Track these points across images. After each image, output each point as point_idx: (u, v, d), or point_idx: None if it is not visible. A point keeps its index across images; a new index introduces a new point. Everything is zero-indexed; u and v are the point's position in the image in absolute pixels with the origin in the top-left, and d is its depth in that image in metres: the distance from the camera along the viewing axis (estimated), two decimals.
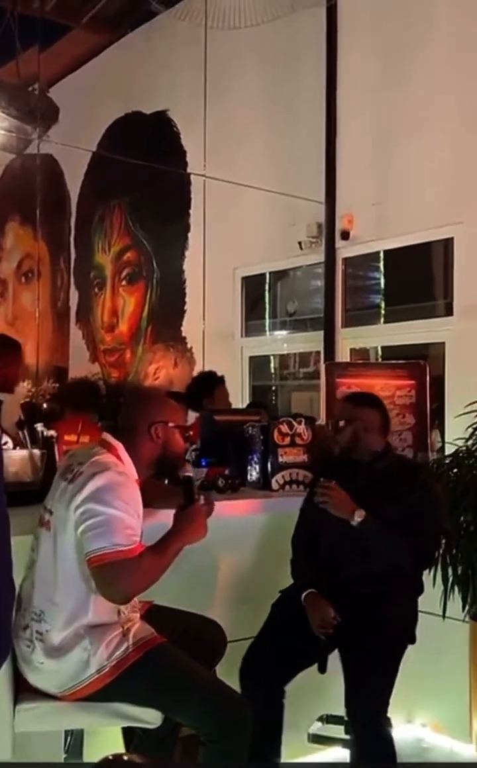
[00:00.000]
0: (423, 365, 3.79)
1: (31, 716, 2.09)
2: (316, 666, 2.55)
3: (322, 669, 2.52)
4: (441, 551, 3.01)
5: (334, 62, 6.20)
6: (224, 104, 6.88)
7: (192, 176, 7.29)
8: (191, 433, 2.42)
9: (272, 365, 7.29)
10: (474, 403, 3.38)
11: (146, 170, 7.31)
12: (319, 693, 2.55)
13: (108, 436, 2.28)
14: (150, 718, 2.11)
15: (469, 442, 3.29)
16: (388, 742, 2.41)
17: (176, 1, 6.16)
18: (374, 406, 2.85)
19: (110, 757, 1.13)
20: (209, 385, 4.89)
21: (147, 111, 8.09)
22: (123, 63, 8.33)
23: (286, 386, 7.31)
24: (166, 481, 2.59)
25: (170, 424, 2.30)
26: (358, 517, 2.56)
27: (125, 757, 1.09)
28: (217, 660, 2.38)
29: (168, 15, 7.70)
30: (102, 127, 8.57)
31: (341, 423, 2.79)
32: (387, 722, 2.42)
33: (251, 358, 7.17)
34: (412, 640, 2.60)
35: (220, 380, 4.97)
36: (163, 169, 7.24)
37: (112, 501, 2.06)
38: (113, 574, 2.02)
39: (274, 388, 7.34)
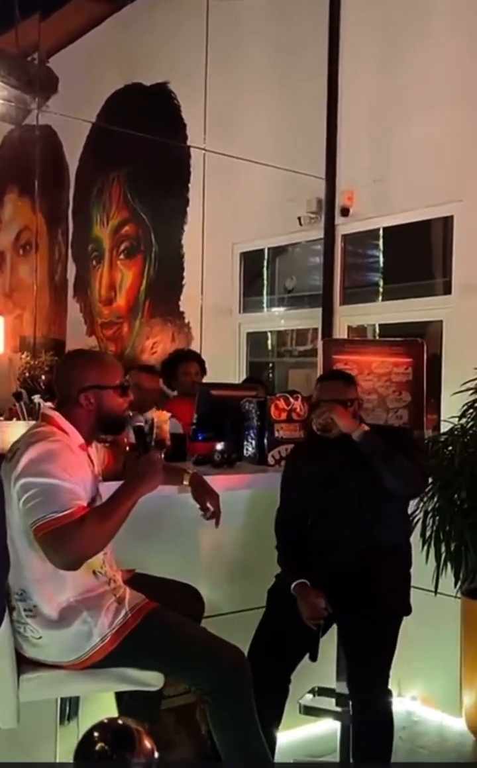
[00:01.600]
0: (420, 343, 3.76)
1: (35, 685, 2.10)
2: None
3: (314, 658, 2.54)
4: (433, 528, 3.01)
5: (337, 37, 6.10)
6: (225, 77, 6.78)
7: (192, 150, 7.20)
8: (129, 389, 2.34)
9: (270, 341, 7.26)
10: (470, 381, 3.36)
11: (146, 143, 7.21)
12: (310, 666, 2.56)
13: (46, 408, 2.30)
14: (153, 680, 2.15)
15: (463, 420, 3.28)
16: (389, 717, 2.42)
17: None
18: (345, 381, 2.84)
19: (106, 721, 1.12)
20: (177, 361, 4.87)
21: (147, 83, 7.96)
22: (124, 34, 8.19)
23: (283, 363, 7.29)
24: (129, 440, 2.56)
25: (104, 387, 2.25)
26: (362, 430, 2.59)
27: (120, 721, 1.08)
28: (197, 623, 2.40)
29: None
30: (102, 98, 8.44)
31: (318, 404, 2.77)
32: (388, 695, 2.44)
33: (249, 334, 7.13)
34: (408, 611, 2.61)
35: (186, 356, 4.92)
36: (163, 142, 7.14)
37: (46, 470, 2.03)
38: (55, 541, 1.96)
39: (271, 364, 7.32)
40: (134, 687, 2.18)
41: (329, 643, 2.60)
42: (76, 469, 2.11)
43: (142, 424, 2.33)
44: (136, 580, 2.35)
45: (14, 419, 3.37)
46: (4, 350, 8.54)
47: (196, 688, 2.26)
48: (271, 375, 7.20)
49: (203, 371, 4.85)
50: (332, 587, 2.55)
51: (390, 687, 2.45)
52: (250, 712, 2.17)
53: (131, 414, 2.35)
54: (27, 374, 6.58)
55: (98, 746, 1.01)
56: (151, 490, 2.17)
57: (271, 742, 2.47)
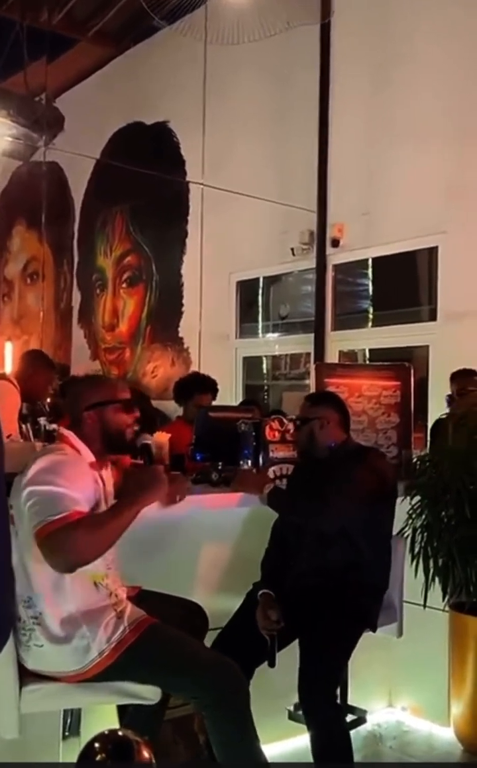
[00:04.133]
0: (407, 367, 3.77)
1: (36, 697, 2.08)
2: (295, 652, 2.53)
3: (271, 664, 2.48)
4: (422, 544, 3.01)
5: (327, 76, 6.21)
6: (222, 116, 6.87)
7: (191, 184, 7.28)
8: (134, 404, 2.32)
9: (265, 366, 7.29)
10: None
11: (147, 178, 7.30)
12: (294, 677, 2.54)
13: (60, 428, 2.30)
14: (150, 694, 2.12)
15: (432, 440, 3.30)
16: (333, 731, 2.34)
17: (178, 16, 6.14)
18: (328, 402, 2.85)
19: (106, 732, 1.12)
20: (193, 389, 4.67)
21: (148, 122, 8.08)
22: (126, 75, 8.32)
23: (277, 386, 7.31)
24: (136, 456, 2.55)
25: (105, 404, 2.24)
26: (266, 489, 2.63)
27: (119, 733, 1.08)
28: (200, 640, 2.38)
29: (170, 30, 7.70)
30: (105, 136, 8.56)
31: (296, 423, 2.80)
32: (332, 708, 2.38)
33: (245, 358, 7.16)
34: (372, 628, 2.58)
35: (203, 387, 4.47)
36: (163, 177, 7.23)
37: (51, 479, 2.02)
38: (51, 543, 1.94)
39: (266, 387, 7.34)
40: (132, 700, 2.15)
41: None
42: (81, 481, 2.10)
43: (149, 442, 2.33)
44: (142, 597, 2.33)
45: (25, 439, 3.38)
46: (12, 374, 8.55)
47: (193, 702, 2.23)
48: (266, 397, 7.22)
49: (214, 399, 4.72)
50: (293, 601, 2.54)
51: (378, 698, 2.40)
52: (247, 726, 2.13)
53: (142, 434, 2.35)
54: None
55: (99, 757, 1.01)
56: (153, 500, 2.15)
57: None
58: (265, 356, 7.22)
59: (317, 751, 2.34)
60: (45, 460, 2.09)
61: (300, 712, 2.58)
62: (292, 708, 2.65)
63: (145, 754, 0.99)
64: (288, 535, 2.72)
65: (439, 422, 3.35)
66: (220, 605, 2.68)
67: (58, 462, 2.09)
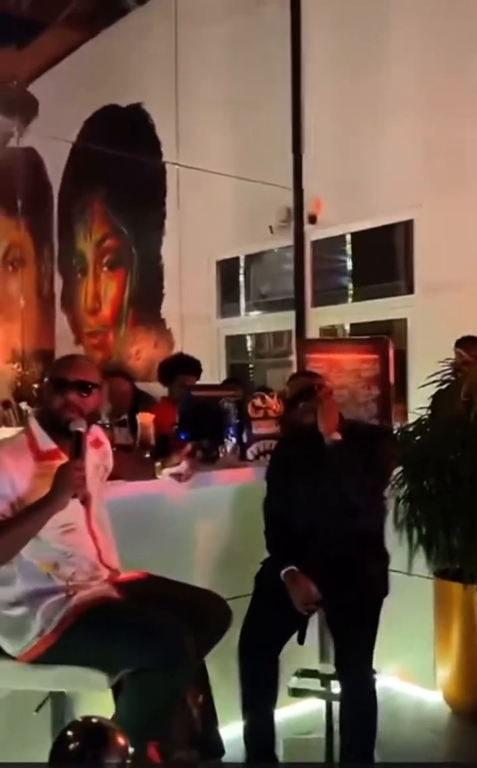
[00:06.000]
0: (386, 340, 3.77)
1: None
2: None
3: (301, 641, 2.52)
4: (405, 514, 3.01)
5: (299, 50, 6.12)
6: (195, 95, 6.77)
7: (167, 165, 7.19)
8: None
9: (249, 344, 7.25)
10: (435, 374, 3.36)
11: (123, 161, 7.20)
12: (295, 649, 2.55)
13: (29, 412, 2.27)
14: (95, 682, 2.03)
15: (431, 411, 3.27)
16: (374, 695, 2.41)
17: None
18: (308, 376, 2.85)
19: (80, 720, 1.10)
20: (177, 371, 4.60)
21: (123, 104, 7.94)
22: (99, 58, 8.16)
23: (262, 364, 7.28)
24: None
25: (49, 382, 2.16)
26: (336, 437, 2.56)
27: (93, 720, 1.06)
28: (220, 637, 2.25)
29: (140, 11, 7.57)
30: (81, 120, 8.41)
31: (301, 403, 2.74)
32: (373, 674, 2.43)
33: (228, 337, 7.12)
34: (386, 593, 2.62)
35: (187, 368, 4.40)
36: (139, 159, 7.13)
37: None
38: None
39: (250, 366, 7.31)
40: (78, 687, 2.08)
41: (311, 627, 2.59)
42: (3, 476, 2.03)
43: (80, 429, 2.08)
44: (147, 582, 2.25)
45: (3, 426, 3.35)
46: None
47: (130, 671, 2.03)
48: (251, 375, 7.20)
49: (198, 379, 4.68)
50: (319, 573, 2.53)
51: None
52: (179, 690, 1.99)
53: (73, 417, 2.11)
54: (19, 384, 6.54)
55: (72, 745, 0.99)
56: (60, 507, 2.00)
57: (270, 723, 2.47)
58: (249, 335, 7.18)
59: (352, 717, 2.39)
60: None
61: (301, 687, 2.60)
62: (293, 684, 2.65)
63: (120, 741, 0.97)
64: (298, 509, 2.67)
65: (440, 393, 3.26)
66: (214, 581, 2.67)
67: None
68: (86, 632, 2.02)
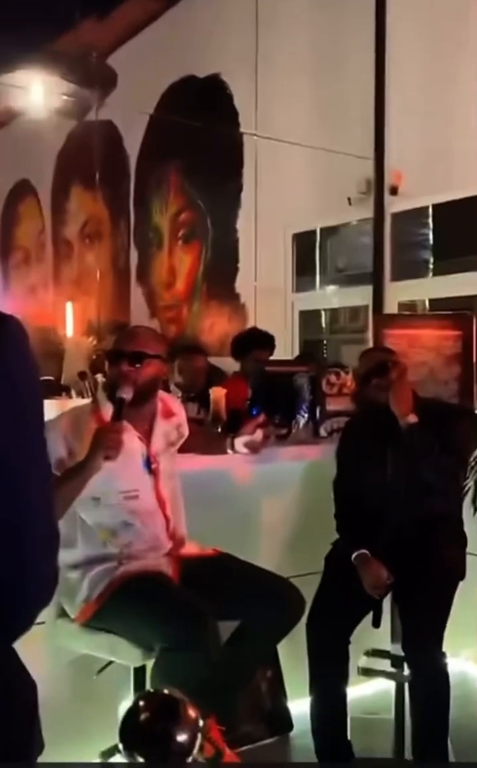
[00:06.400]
0: (469, 316, 3.63)
1: (61, 631, 2.17)
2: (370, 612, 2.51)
3: (377, 624, 2.49)
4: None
5: (383, 17, 5.89)
6: (274, 65, 6.63)
7: (244, 136, 7.08)
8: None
9: (323, 320, 7.14)
10: None
11: (201, 132, 7.13)
12: (366, 629, 2.51)
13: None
14: (128, 654, 2.04)
15: None
16: (445, 677, 2.37)
17: None
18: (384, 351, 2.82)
19: (152, 691, 1.09)
20: (251, 345, 4.55)
21: (201, 75, 7.85)
22: (177, 28, 8.07)
23: (336, 340, 7.17)
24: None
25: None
26: (412, 419, 2.48)
27: (165, 691, 1.04)
28: (293, 625, 2.23)
29: None
30: (159, 91, 8.36)
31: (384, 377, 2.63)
32: (444, 656, 2.39)
33: (302, 312, 7.02)
34: (463, 576, 2.54)
35: (261, 343, 4.36)
36: (216, 131, 7.05)
37: None
38: None
39: (324, 341, 7.21)
40: (117, 657, 2.09)
41: (383, 608, 2.54)
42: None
43: (125, 396, 2.13)
44: (218, 560, 2.25)
45: (80, 397, 3.38)
46: (73, 334, 8.62)
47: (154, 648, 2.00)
48: (325, 351, 7.10)
49: (271, 354, 4.63)
50: (391, 555, 2.49)
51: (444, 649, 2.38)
52: (200, 671, 1.90)
53: (123, 387, 2.15)
54: (94, 356, 6.61)
55: (143, 716, 0.97)
56: (94, 468, 2.02)
57: (339, 702, 2.45)
58: (324, 310, 7.06)
59: (422, 700, 2.36)
60: None
61: (371, 667, 2.57)
62: (363, 663, 2.60)
63: (191, 713, 0.95)
64: (370, 491, 2.61)
65: None
66: (280, 556, 2.64)
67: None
68: (120, 604, 2.05)
